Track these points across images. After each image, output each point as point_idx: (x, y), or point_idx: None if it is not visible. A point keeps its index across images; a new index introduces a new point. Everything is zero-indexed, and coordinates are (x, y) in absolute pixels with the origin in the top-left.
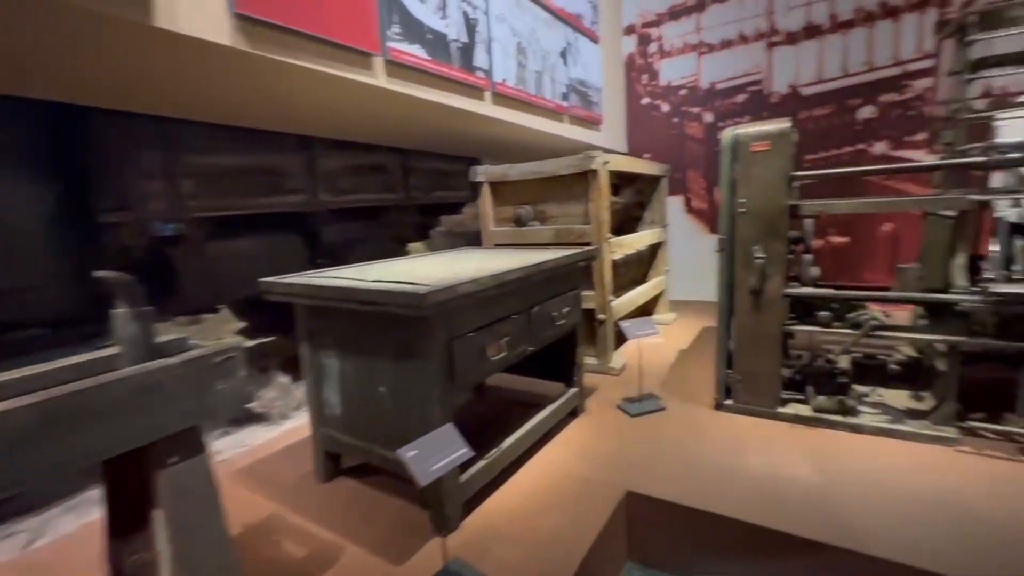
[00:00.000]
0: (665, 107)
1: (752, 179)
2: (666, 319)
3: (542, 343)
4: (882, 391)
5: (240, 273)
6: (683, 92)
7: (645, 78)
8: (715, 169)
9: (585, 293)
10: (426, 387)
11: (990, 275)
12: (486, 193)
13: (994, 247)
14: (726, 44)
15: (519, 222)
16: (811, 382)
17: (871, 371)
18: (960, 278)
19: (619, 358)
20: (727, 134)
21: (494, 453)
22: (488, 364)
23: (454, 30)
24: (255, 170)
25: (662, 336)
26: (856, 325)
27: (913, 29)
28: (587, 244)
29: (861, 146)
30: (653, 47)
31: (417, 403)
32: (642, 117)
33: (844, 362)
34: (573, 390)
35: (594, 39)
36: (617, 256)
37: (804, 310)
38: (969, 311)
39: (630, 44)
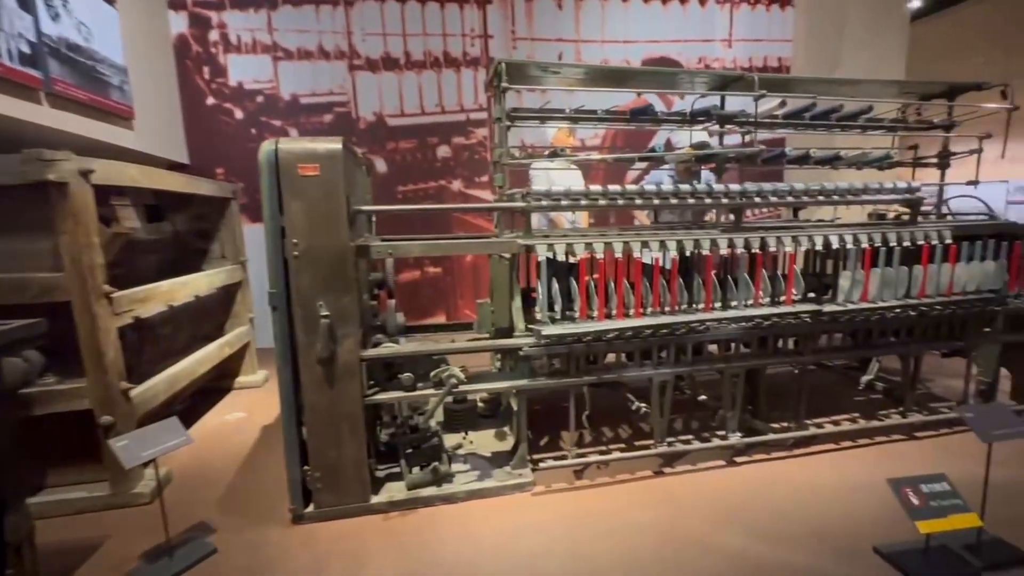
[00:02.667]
0: (239, 113)
1: (306, 212)
2: (253, 381)
3: None
4: (473, 436)
5: None
6: (260, 99)
7: (208, 71)
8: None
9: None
10: None
11: (539, 317)
12: None
13: (539, 289)
14: (305, 54)
15: None
16: (402, 452)
17: (462, 416)
18: (519, 320)
19: (149, 475)
20: (265, 147)
21: None
22: None
23: None
24: None
25: (245, 411)
26: (440, 383)
27: (470, 81)
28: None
29: (443, 182)
30: (215, 34)
31: None
32: (208, 122)
33: (434, 421)
34: None
35: None
36: (146, 313)
37: (387, 373)
38: (530, 355)
39: (181, 23)
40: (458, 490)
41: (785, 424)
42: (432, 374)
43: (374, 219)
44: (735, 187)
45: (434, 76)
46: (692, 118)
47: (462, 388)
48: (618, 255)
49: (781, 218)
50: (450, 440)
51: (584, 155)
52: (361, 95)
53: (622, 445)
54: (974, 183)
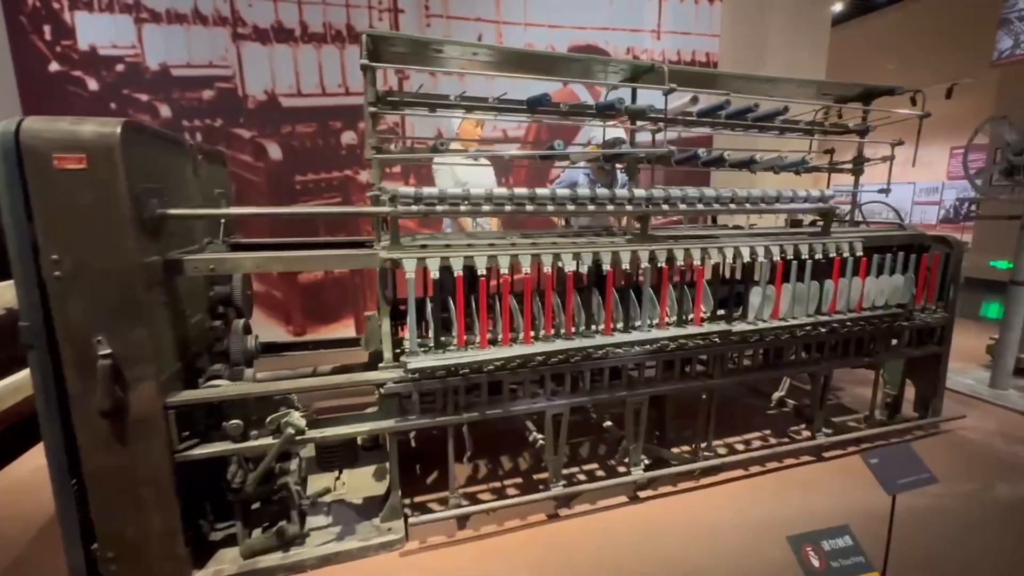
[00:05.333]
0: (93, 84)
1: (69, 219)
2: None
3: None
4: (349, 475)
5: None
6: (120, 68)
7: (50, 32)
8: None
9: None
10: None
11: (408, 346)
12: None
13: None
14: (177, 17)
15: None
16: (238, 512)
17: (337, 451)
18: (387, 347)
19: None
20: (1, 128)
21: None
22: None
23: None
24: None
25: None
26: (278, 430)
27: None
28: None
29: (348, 172)
30: None
31: None
32: (53, 92)
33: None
34: None
35: None
36: None
37: (214, 418)
38: (394, 392)
39: None
40: (309, 556)
41: (694, 447)
42: (268, 420)
43: (223, 221)
44: (640, 192)
45: (336, 52)
46: (598, 111)
47: (310, 435)
48: (504, 270)
49: (698, 224)
50: (319, 483)
51: (475, 149)
52: (249, 69)
53: (519, 480)
54: (886, 191)
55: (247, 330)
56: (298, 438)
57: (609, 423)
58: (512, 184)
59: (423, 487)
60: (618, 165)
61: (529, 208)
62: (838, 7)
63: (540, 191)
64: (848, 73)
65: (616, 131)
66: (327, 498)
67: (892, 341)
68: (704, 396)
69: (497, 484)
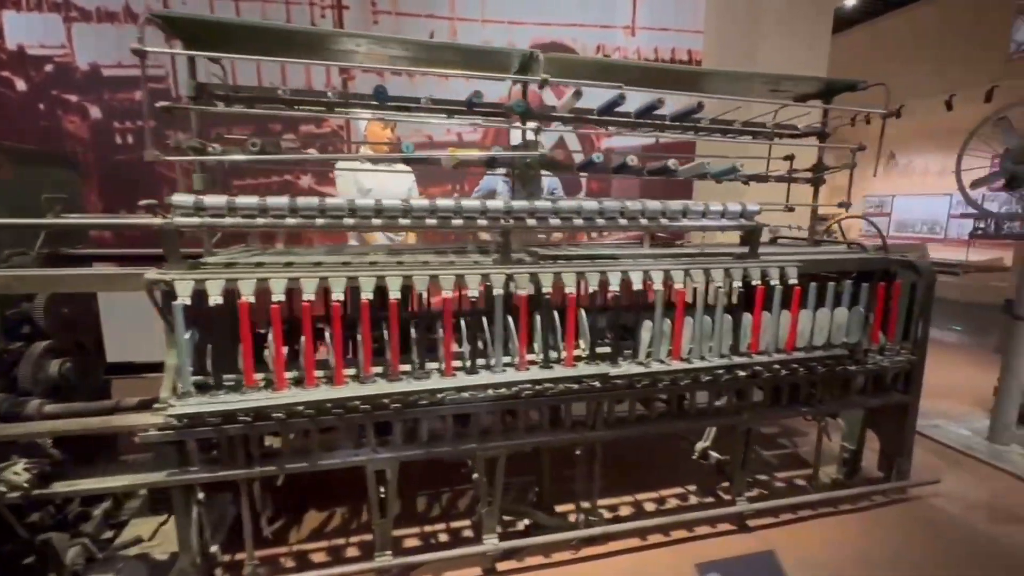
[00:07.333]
0: (21, 84)
1: None
2: None
3: None
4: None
5: None
6: (49, 68)
7: None
8: (112, 183)
9: None
10: None
11: (179, 386)
12: None
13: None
14: (108, 16)
15: None
16: None
17: None
18: (166, 386)
19: None
20: None
21: None
22: None
23: None
24: None
25: None
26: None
27: None
28: None
29: (289, 176)
30: None
31: None
32: None
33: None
34: None
35: None
36: None
37: None
38: (149, 441)
39: None
40: None
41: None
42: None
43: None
44: (494, 204)
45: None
46: (469, 108)
47: (48, 491)
48: (307, 296)
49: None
50: (144, 528)
51: (298, 154)
52: (183, 70)
53: (363, 537)
54: (845, 204)
55: (55, 354)
56: (12, 496)
57: (476, 475)
58: (431, 193)
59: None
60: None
61: (349, 221)
62: (850, 2)
63: (388, 202)
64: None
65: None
66: (133, 550)
67: (838, 392)
68: (578, 452)
69: (323, 543)
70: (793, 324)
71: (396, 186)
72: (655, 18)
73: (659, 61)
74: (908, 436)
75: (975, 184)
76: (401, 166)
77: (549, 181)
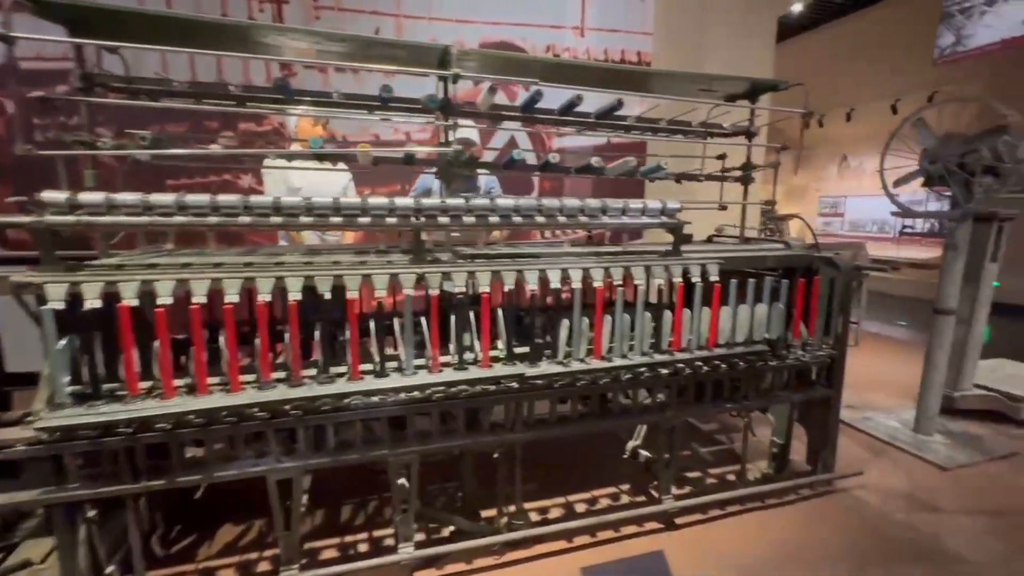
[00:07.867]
0: None
1: None
2: None
3: None
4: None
5: None
6: None
7: None
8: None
9: None
10: None
11: (55, 397)
12: None
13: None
14: (21, 5)
15: None
16: None
17: None
18: (40, 398)
19: None
20: None
21: None
22: None
23: None
24: None
25: None
26: None
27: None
28: None
29: (227, 176)
30: None
31: None
32: None
33: None
34: None
35: None
36: None
37: None
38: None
39: None
40: None
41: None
42: None
43: None
44: (404, 201)
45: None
46: (383, 103)
47: None
48: (198, 297)
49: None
50: (36, 551)
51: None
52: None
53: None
54: (771, 203)
55: None
56: None
57: (403, 480)
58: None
59: (162, 558)
60: (483, 172)
61: (244, 220)
62: (797, 7)
63: (288, 200)
64: (816, 81)
65: (470, 131)
66: (23, 574)
67: (762, 387)
68: (496, 456)
69: (233, 559)
70: (714, 321)
71: (329, 185)
72: (605, 19)
73: (608, 61)
74: (832, 429)
75: (897, 183)
76: (341, 164)
77: (486, 180)
